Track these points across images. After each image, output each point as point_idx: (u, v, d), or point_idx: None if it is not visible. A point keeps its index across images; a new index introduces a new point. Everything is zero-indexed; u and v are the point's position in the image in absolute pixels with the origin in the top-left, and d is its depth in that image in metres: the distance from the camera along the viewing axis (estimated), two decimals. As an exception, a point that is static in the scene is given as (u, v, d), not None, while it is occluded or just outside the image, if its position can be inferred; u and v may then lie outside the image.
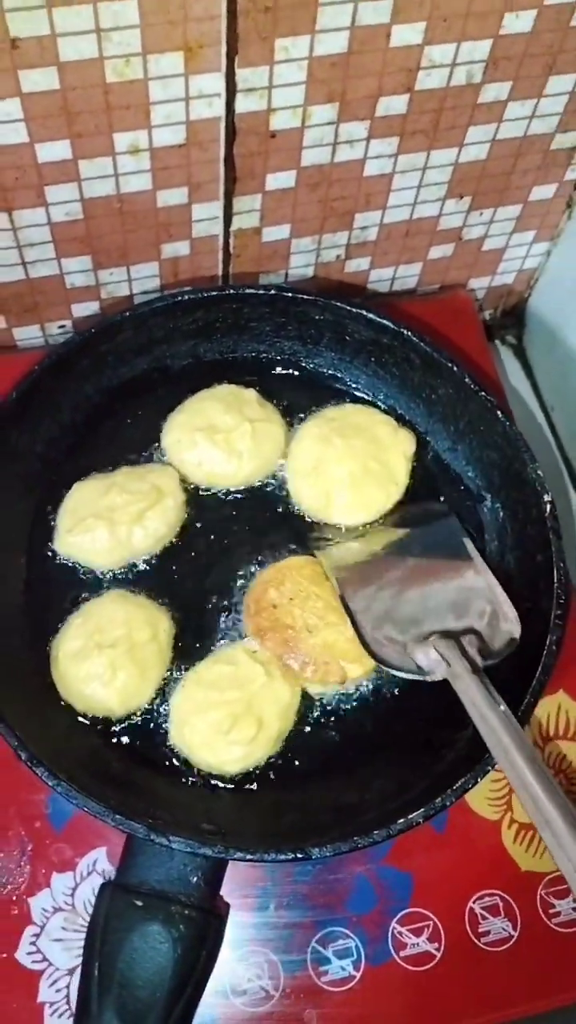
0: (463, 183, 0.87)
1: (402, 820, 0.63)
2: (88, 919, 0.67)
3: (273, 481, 0.82)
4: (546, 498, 0.73)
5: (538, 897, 0.73)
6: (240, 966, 0.70)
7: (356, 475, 0.79)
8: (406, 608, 0.72)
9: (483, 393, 0.77)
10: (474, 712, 0.63)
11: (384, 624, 0.71)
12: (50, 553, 0.77)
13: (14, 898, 0.70)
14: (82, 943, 0.67)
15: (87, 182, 0.76)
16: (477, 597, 0.73)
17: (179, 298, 0.80)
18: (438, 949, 0.71)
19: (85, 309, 0.90)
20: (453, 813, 0.75)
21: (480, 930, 0.72)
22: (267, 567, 0.77)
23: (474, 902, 0.73)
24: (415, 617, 0.71)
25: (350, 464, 0.79)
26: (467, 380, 0.77)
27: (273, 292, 0.81)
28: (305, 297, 0.81)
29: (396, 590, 0.74)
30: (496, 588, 0.73)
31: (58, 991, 0.68)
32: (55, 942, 0.70)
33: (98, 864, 0.72)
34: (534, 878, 0.74)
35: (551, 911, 0.73)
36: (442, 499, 0.82)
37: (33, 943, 0.69)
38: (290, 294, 0.81)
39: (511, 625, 0.70)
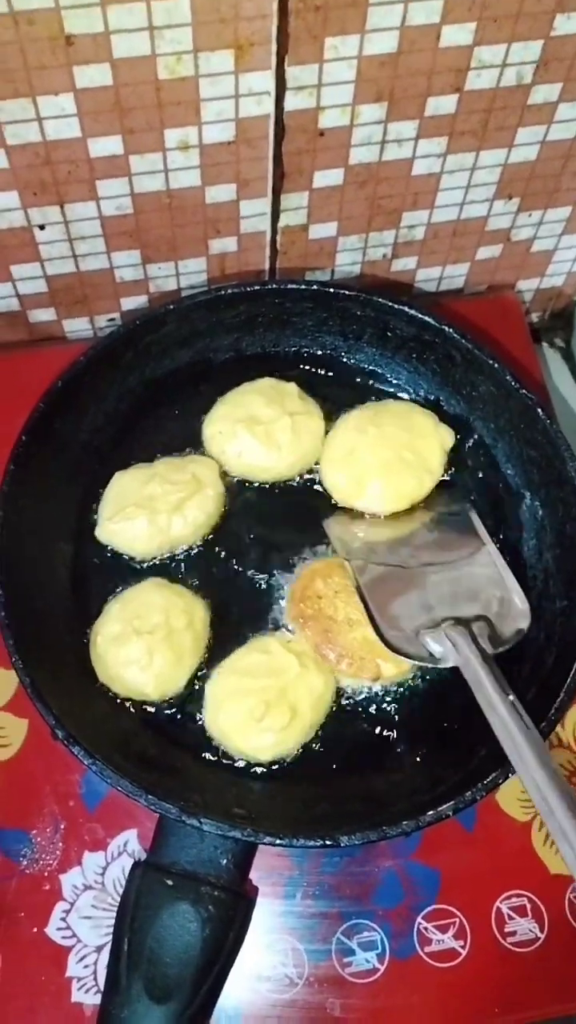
0: (512, 184, 0.87)
1: (432, 812, 0.63)
2: (117, 898, 0.68)
3: (311, 475, 0.82)
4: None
5: (567, 901, 0.73)
6: (265, 952, 0.71)
7: (390, 462, 0.79)
8: (419, 595, 0.73)
9: (524, 391, 0.77)
10: (482, 699, 0.64)
11: (397, 611, 0.71)
12: (94, 540, 0.78)
13: (46, 874, 0.72)
14: (111, 922, 0.68)
15: (137, 177, 0.77)
16: (489, 584, 0.73)
17: (222, 292, 0.81)
18: (463, 947, 0.71)
19: (133, 302, 0.92)
20: (483, 812, 0.75)
21: (506, 930, 0.72)
22: (317, 558, 0.78)
23: (501, 902, 0.73)
24: (427, 604, 0.71)
25: (384, 452, 0.79)
26: (508, 377, 0.77)
27: (315, 287, 0.82)
28: (347, 293, 0.81)
29: (410, 577, 0.74)
30: (507, 575, 0.74)
31: (86, 967, 0.70)
32: (84, 919, 0.71)
33: (128, 845, 0.73)
34: (563, 881, 0.74)
35: (579, 914, 0.73)
36: (473, 496, 0.82)
37: (63, 919, 0.71)
38: (332, 289, 0.82)
39: (521, 613, 0.71)
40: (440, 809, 0.63)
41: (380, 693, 0.74)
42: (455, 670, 0.66)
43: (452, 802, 0.63)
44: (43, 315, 0.91)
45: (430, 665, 0.69)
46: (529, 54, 0.74)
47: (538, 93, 0.78)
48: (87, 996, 0.69)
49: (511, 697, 0.63)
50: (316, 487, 0.82)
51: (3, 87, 0.67)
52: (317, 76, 0.72)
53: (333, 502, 0.81)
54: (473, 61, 0.73)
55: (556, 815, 0.56)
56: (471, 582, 0.73)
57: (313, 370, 0.87)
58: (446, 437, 0.82)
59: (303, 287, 0.82)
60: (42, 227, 0.80)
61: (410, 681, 0.75)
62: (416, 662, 0.69)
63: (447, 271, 0.97)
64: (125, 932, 0.61)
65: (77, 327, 0.94)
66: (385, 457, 0.79)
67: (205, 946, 0.60)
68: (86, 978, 0.69)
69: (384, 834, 0.62)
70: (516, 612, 0.71)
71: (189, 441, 0.82)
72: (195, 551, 0.79)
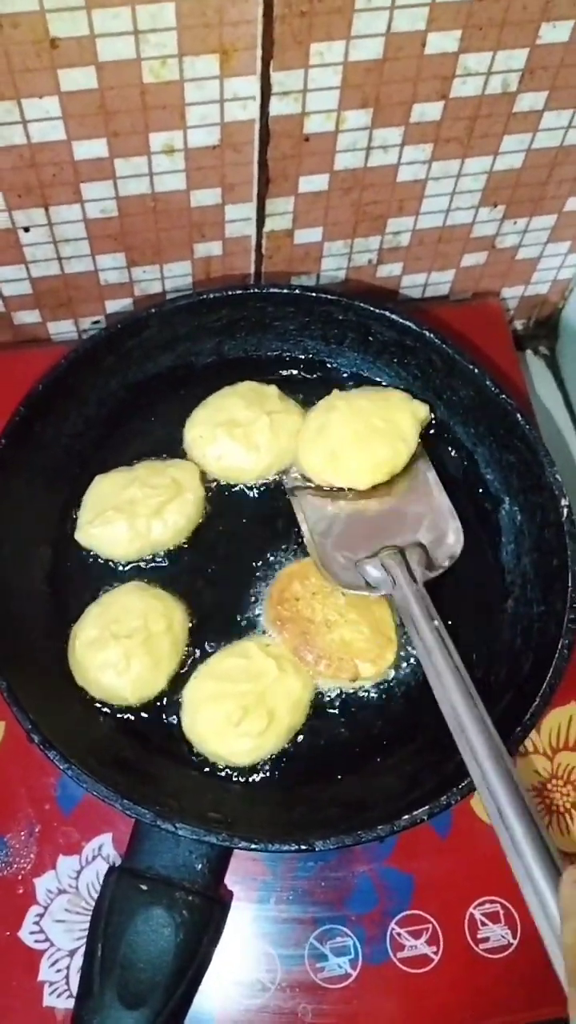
0: (497, 191, 0.87)
1: (407, 817, 0.63)
2: (91, 902, 0.69)
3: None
4: (564, 502, 0.73)
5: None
6: (238, 957, 0.71)
7: (360, 433, 0.78)
8: (361, 528, 0.77)
9: (503, 396, 0.77)
10: (409, 624, 0.68)
11: (340, 545, 0.76)
12: (73, 544, 0.78)
13: (20, 877, 0.72)
14: (84, 926, 0.68)
15: (122, 180, 0.77)
16: (427, 513, 0.77)
17: (204, 296, 0.81)
18: (436, 952, 0.72)
19: (118, 305, 0.92)
20: (458, 818, 0.75)
21: (479, 936, 0.72)
22: (293, 561, 0.78)
23: (475, 908, 0.73)
24: (367, 535, 0.76)
25: (354, 423, 0.79)
26: (488, 383, 0.77)
27: (297, 291, 0.82)
28: (329, 297, 0.82)
29: (355, 513, 0.78)
30: (444, 501, 0.78)
31: (58, 971, 0.70)
32: (58, 923, 0.71)
33: (103, 849, 0.73)
34: (537, 887, 0.74)
35: (553, 921, 0.73)
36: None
37: (36, 923, 0.71)
38: (313, 294, 0.82)
39: (455, 540, 0.75)
40: (415, 814, 0.64)
41: (358, 696, 0.74)
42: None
43: (427, 807, 0.64)
44: (27, 317, 0.91)
45: (368, 594, 0.73)
46: (514, 62, 0.74)
47: (523, 101, 0.78)
48: (59, 1000, 0.69)
49: (436, 622, 0.67)
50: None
51: (-13, 89, 0.67)
52: (302, 81, 0.72)
53: (314, 486, 0.81)
54: (459, 68, 0.73)
55: (467, 735, 0.61)
56: (411, 511, 0.77)
57: (295, 374, 0.87)
58: (419, 409, 0.81)
59: (285, 291, 0.82)
60: (27, 229, 0.80)
61: (389, 684, 0.75)
62: (356, 592, 0.73)
63: (432, 277, 0.97)
64: (99, 938, 0.61)
65: (62, 329, 0.94)
66: (356, 428, 0.79)
67: (179, 951, 0.60)
68: (58, 982, 0.69)
69: (359, 839, 0.63)
70: (450, 539, 0.75)
71: (170, 445, 0.82)
72: (175, 555, 0.78)
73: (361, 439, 0.78)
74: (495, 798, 0.57)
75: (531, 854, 0.55)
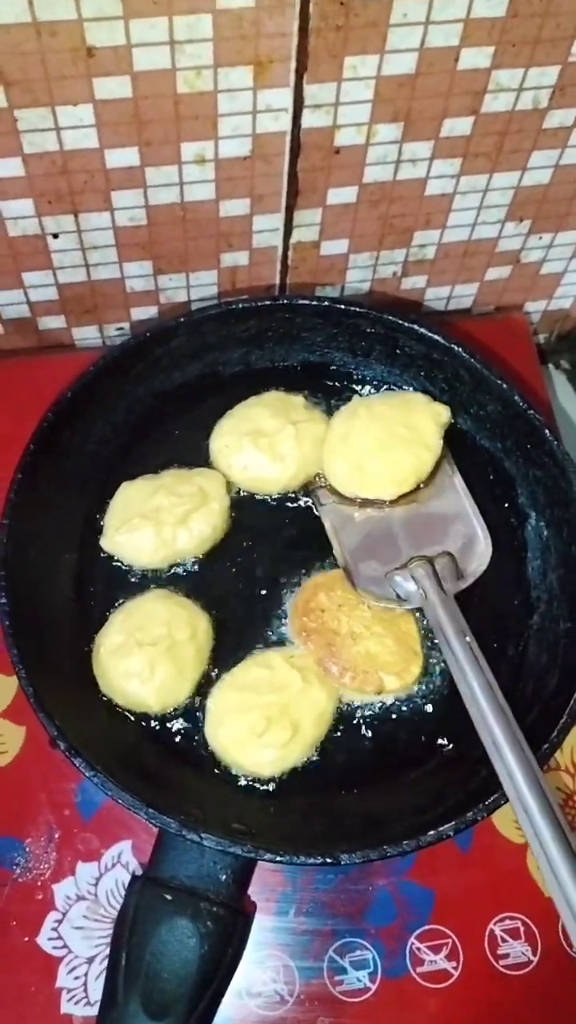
0: (524, 206, 0.87)
1: (432, 832, 0.63)
2: (110, 909, 0.69)
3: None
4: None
5: (561, 925, 0.73)
6: (256, 968, 0.70)
7: (384, 442, 0.78)
8: (389, 538, 0.77)
9: (531, 411, 0.77)
10: (441, 639, 0.68)
11: (369, 557, 0.76)
12: (99, 550, 0.78)
13: (39, 883, 0.72)
14: (103, 933, 0.68)
15: (152, 189, 0.77)
16: (455, 522, 0.77)
17: (233, 306, 0.81)
18: (456, 968, 0.71)
19: (143, 313, 0.92)
20: (479, 834, 0.75)
21: (499, 952, 0.72)
22: (319, 572, 0.78)
23: (495, 924, 0.73)
24: (396, 545, 0.76)
25: (377, 432, 0.79)
26: (516, 398, 0.77)
27: (326, 303, 0.82)
28: (357, 310, 0.82)
29: (382, 521, 0.78)
30: (470, 508, 0.78)
31: (76, 978, 0.69)
32: (76, 930, 0.71)
33: (123, 856, 0.73)
34: (557, 904, 0.74)
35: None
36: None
37: (55, 929, 0.71)
38: (342, 306, 0.82)
39: (483, 544, 0.76)
40: (441, 829, 0.63)
41: (383, 709, 0.74)
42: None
43: (453, 823, 0.64)
44: (53, 323, 0.91)
45: (398, 607, 0.73)
46: (546, 79, 0.74)
47: (554, 118, 0.78)
48: (77, 1007, 0.68)
49: (468, 638, 0.67)
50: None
51: (23, 96, 0.68)
52: (335, 95, 0.72)
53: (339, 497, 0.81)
54: (490, 84, 0.74)
55: (500, 752, 0.61)
56: (438, 515, 0.78)
57: (321, 385, 0.87)
58: (440, 411, 0.81)
59: (314, 303, 0.82)
60: (55, 235, 0.80)
61: (414, 697, 0.75)
62: (386, 604, 0.73)
63: (456, 290, 0.98)
64: (123, 947, 0.60)
65: (86, 335, 0.94)
66: (379, 436, 0.79)
67: (203, 962, 0.60)
68: (76, 989, 0.69)
69: (384, 853, 0.63)
70: (479, 546, 0.76)
71: (196, 454, 0.82)
72: (200, 563, 0.78)
73: (385, 449, 0.78)
74: (531, 818, 0.57)
75: (568, 875, 0.54)
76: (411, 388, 0.86)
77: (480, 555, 0.75)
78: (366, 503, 0.79)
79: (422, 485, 0.80)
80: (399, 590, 0.73)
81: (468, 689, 0.64)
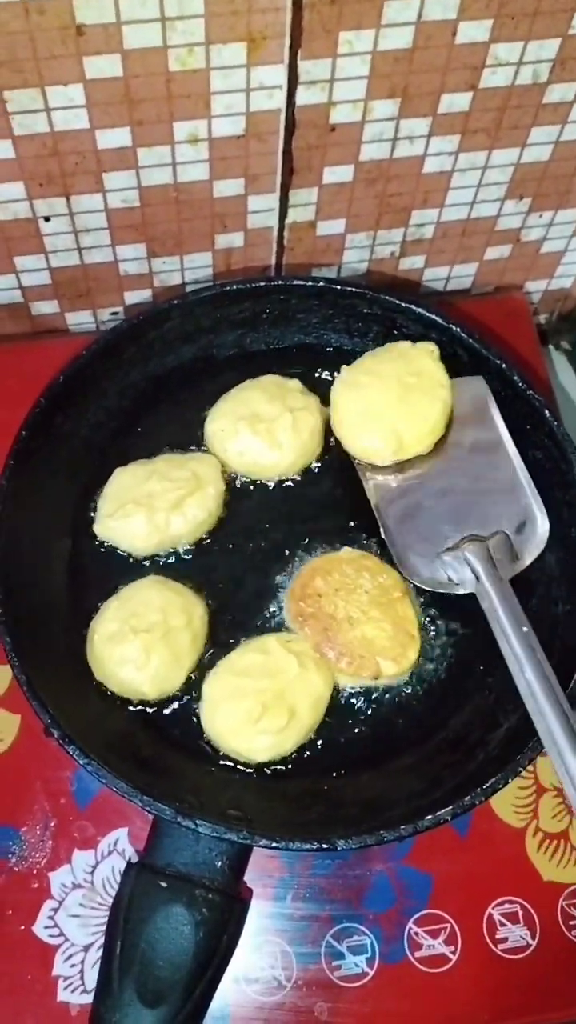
0: (524, 184, 0.86)
1: (430, 816, 0.63)
2: (106, 897, 0.68)
3: (314, 472, 0.81)
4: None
5: (559, 908, 0.73)
6: (254, 954, 0.70)
7: (403, 396, 0.76)
8: (439, 513, 0.73)
9: (531, 392, 0.76)
10: (496, 628, 0.65)
11: (419, 535, 0.72)
12: (93, 537, 0.77)
13: (35, 871, 0.72)
14: (99, 921, 0.68)
15: (145, 170, 0.76)
16: (508, 494, 0.73)
17: (227, 288, 0.80)
18: (454, 952, 0.71)
19: (137, 296, 0.91)
20: (477, 818, 0.75)
21: (498, 936, 0.72)
22: (317, 556, 0.77)
23: (493, 908, 0.73)
24: (447, 521, 0.72)
25: (392, 390, 0.77)
26: (516, 378, 0.76)
27: (322, 284, 0.81)
28: (354, 290, 0.81)
29: (431, 502, 0.74)
30: (527, 484, 0.74)
31: (72, 966, 0.69)
32: (72, 918, 0.71)
33: (119, 844, 0.73)
34: (556, 888, 0.74)
35: (572, 923, 0.73)
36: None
37: (51, 917, 0.71)
38: (339, 287, 0.81)
39: (540, 521, 0.71)
40: (439, 814, 0.63)
41: (380, 694, 0.74)
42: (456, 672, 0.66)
43: (451, 807, 0.63)
44: (46, 307, 0.90)
45: (449, 591, 0.70)
46: (545, 52, 0.73)
47: (553, 92, 0.77)
48: (73, 995, 0.68)
49: (526, 628, 0.64)
50: (318, 484, 0.81)
51: (12, 77, 0.66)
52: (330, 71, 0.71)
53: (339, 501, 0.80)
54: (489, 58, 0.72)
55: (562, 753, 0.58)
56: (490, 493, 0.73)
57: (318, 367, 0.86)
58: (431, 348, 0.79)
59: (309, 283, 0.81)
60: (47, 219, 0.79)
61: (412, 682, 0.74)
62: (435, 588, 0.71)
63: (455, 270, 0.96)
64: (118, 934, 0.60)
65: (80, 320, 0.93)
66: (396, 393, 0.76)
67: (198, 950, 0.60)
68: (73, 977, 0.69)
69: (381, 839, 0.62)
70: (538, 523, 0.72)
71: (191, 438, 0.82)
72: (195, 549, 0.78)
73: (409, 404, 0.76)
74: None
75: None
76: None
77: (538, 537, 0.71)
78: (405, 465, 0.77)
79: (461, 431, 0.77)
80: (451, 573, 0.70)
81: (526, 684, 0.62)
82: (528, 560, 0.71)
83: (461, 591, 0.70)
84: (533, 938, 0.72)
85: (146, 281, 0.89)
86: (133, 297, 0.91)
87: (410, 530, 0.73)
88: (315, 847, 0.62)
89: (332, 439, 0.81)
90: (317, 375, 0.85)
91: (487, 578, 0.67)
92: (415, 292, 0.97)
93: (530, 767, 0.76)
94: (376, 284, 0.94)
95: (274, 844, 0.62)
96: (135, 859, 0.70)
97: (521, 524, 0.72)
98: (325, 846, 0.62)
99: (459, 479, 0.76)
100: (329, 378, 0.83)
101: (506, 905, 0.73)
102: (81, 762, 0.63)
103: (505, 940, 0.72)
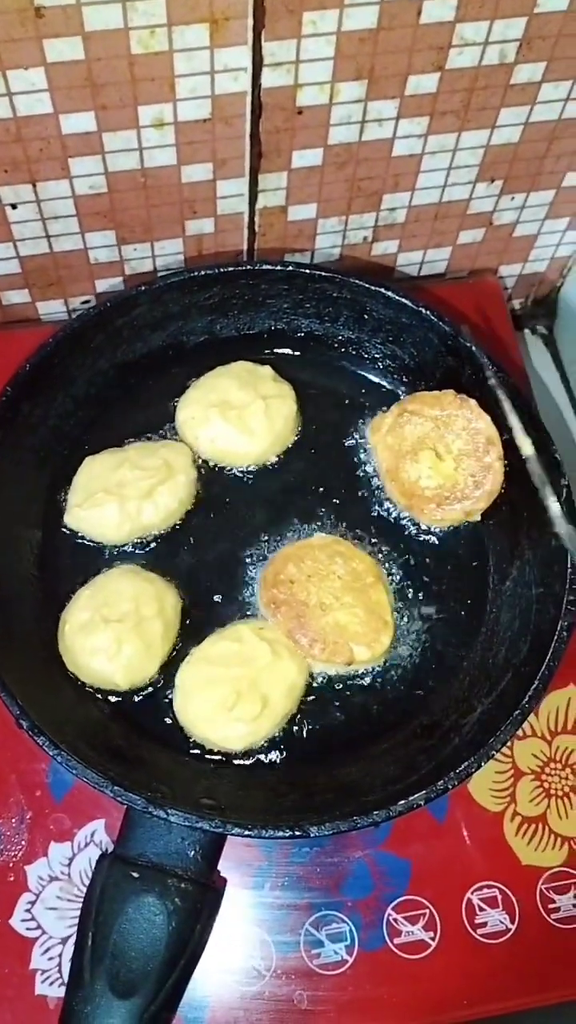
0: (494, 166, 0.85)
1: (403, 802, 0.63)
2: (84, 890, 0.67)
3: (285, 458, 0.81)
4: (563, 481, 0.72)
5: (538, 892, 0.73)
6: (233, 944, 0.70)
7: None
8: None
9: (502, 375, 0.75)
10: None
11: None
12: (63, 526, 0.77)
13: (11, 865, 0.71)
14: (77, 913, 0.67)
15: (111, 155, 0.75)
16: None
17: (195, 273, 0.80)
18: (433, 938, 0.71)
19: (109, 284, 0.90)
20: (455, 803, 0.75)
21: (477, 921, 0.71)
22: (290, 542, 0.77)
23: (472, 893, 0.72)
24: None
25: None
26: (486, 361, 0.76)
27: (291, 268, 0.80)
28: (323, 274, 0.80)
29: None
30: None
31: (50, 959, 0.69)
32: (50, 910, 0.70)
33: (96, 836, 0.72)
34: (535, 872, 0.73)
35: (551, 906, 0.72)
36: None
37: (28, 911, 0.70)
38: (308, 271, 0.80)
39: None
40: (412, 799, 0.63)
41: (354, 680, 0.73)
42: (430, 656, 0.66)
43: (424, 792, 0.63)
44: (16, 297, 0.89)
45: None
46: (512, 31, 0.72)
47: (521, 72, 0.76)
48: (51, 989, 0.68)
49: None
50: (288, 471, 0.81)
51: (-30, 60, 0.66)
52: (295, 52, 0.70)
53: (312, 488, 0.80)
54: (455, 38, 0.72)
55: None
56: None
57: (288, 353, 0.86)
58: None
59: (278, 268, 0.80)
60: (14, 206, 0.78)
61: (385, 667, 0.74)
62: None
63: (429, 255, 0.96)
64: (89, 926, 0.60)
65: (51, 309, 0.92)
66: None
67: (171, 940, 0.59)
68: (50, 970, 0.69)
69: (354, 824, 0.62)
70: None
71: (162, 426, 0.81)
72: (167, 537, 0.77)
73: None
74: None
75: None
76: (379, 353, 0.85)
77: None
78: None
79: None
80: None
81: None
82: None
83: None
84: (512, 922, 0.72)
85: (117, 268, 0.88)
86: (104, 285, 0.90)
87: None
88: (288, 835, 0.61)
89: (303, 426, 0.81)
90: (288, 361, 0.85)
91: None
92: (389, 277, 0.97)
93: (507, 751, 0.76)
94: (349, 269, 0.93)
95: (246, 832, 0.61)
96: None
97: None
98: (298, 833, 0.61)
99: None
100: (300, 363, 0.84)
101: (485, 890, 0.73)
102: (51, 753, 0.62)
103: (484, 925, 0.71)
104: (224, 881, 0.67)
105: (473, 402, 0.76)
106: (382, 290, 0.79)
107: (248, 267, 0.81)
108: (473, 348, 0.76)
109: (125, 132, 0.74)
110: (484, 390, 0.77)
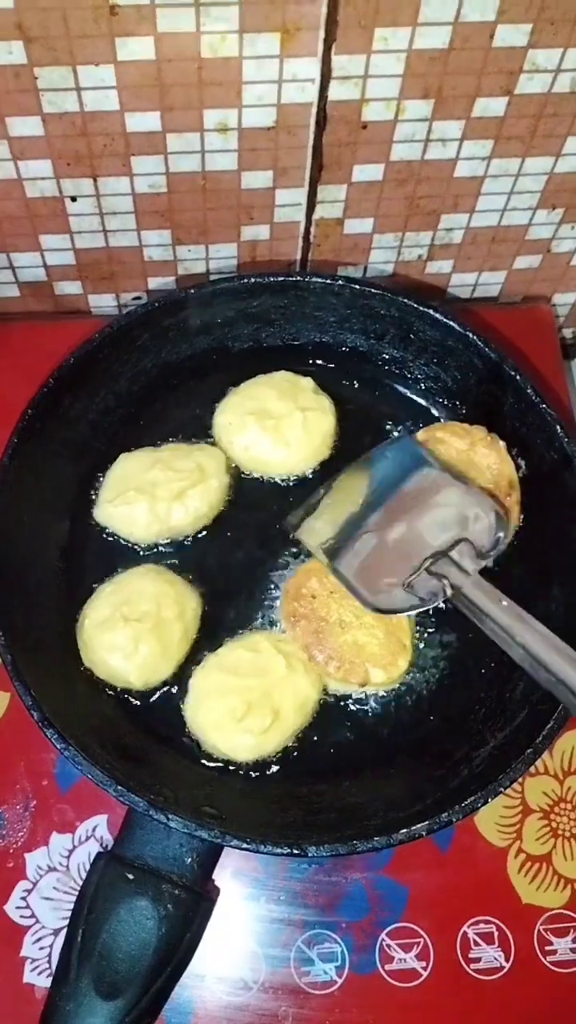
0: (557, 194, 0.84)
1: (404, 831, 0.62)
2: (80, 883, 0.68)
3: (319, 471, 0.80)
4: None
5: (536, 932, 0.72)
6: (223, 953, 0.70)
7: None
8: (395, 550, 0.71)
9: (544, 405, 0.75)
10: (477, 616, 0.64)
11: (379, 575, 0.70)
12: (92, 521, 0.77)
13: (11, 851, 0.72)
14: (71, 906, 0.68)
15: (173, 156, 0.76)
16: (458, 508, 0.71)
17: (245, 280, 0.80)
18: (425, 968, 0.70)
19: (161, 283, 0.91)
20: (460, 834, 0.74)
21: (471, 956, 0.71)
22: (314, 557, 0.76)
23: (469, 927, 0.71)
24: (405, 553, 0.69)
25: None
26: (529, 391, 0.75)
27: (340, 283, 0.80)
28: (372, 291, 0.80)
29: (381, 537, 0.72)
30: (471, 491, 0.71)
31: (41, 949, 0.69)
32: (45, 900, 0.71)
33: (97, 831, 0.73)
34: (535, 912, 0.72)
35: (547, 948, 0.71)
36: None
37: (24, 898, 0.71)
38: (357, 287, 0.80)
39: (494, 519, 0.69)
40: (414, 829, 0.62)
41: (367, 701, 0.73)
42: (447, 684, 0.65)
43: (427, 822, 0.62)
44: (69, 288, 0.90)
45: (428, 607, 0.68)
46: (585, 61, 0.71)
47: (592, 103, 0.75)
48: (39, 978, 0.68)
49: (505, 602, 0.62)
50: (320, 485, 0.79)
51: (43, 54, 0.66)
52: (364, 67, 0.70)
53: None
54: (526, 64, 0.71)
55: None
56: (440, 513, 0.71)
57: (331, 367, 0.86)
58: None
59: (328, 282, 0.80)
60: (74, 199, 0.79)
61: (400, 691, 0.73)
62: (413, 612, 0.71)
63: (483, 278, 0.95)
64: (80, 923, 0.60)
65: (102, 303, 0.93)
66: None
67: (159, 945, 0.59)
68: (40, 960, 0.69)
69: (354, 848, 0.61)
70: (489, 518, 0.69)
71: (199, 429, 0.81)
72: (194, 541, 0.77)
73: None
74: None
75: None
76: (422, 374, 0.84)
77: (492, 527, 0.69)
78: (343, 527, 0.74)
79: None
80: (422, 593, 0.68)
81: (520, 649, 0.60)
82: (495, 552, 0.68)
83: (436, 602, 0.68)
84: (507, 960, 0.71)
85: (170, 268, 0.89)
86: (157, 283, 0.91)
87: (370, 574, 0.70)
88: (286, 852, 0.61)
89: (339, 440, 0.81)
90: (330, 374, 0.84)
91: (457, 578, 0.65)
92: (440, 297, 0.96)
93: (517, 787, 0.75)
94: (402, 287, 0.93)
95: (244, 845, 0.61)
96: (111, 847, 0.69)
97: (476, 526, 0.69)
98: (296, 852, 0.61)
99: (403, 509, 0.72)
100: (343, 378, 0.83)
101: (482, 925, 0.72)
102: (59, 746, 0.62)
103: (478, 960, 0.71)
104: (217, 891, 0.67)
105: (502, 444, 0.76)
106: (430, 311, 0.78)
107: (297, 278, 0.81)
108: (518, 378, 0.75)
109: (189, 134, 0.74)
110: (525, 420, 0.77)
